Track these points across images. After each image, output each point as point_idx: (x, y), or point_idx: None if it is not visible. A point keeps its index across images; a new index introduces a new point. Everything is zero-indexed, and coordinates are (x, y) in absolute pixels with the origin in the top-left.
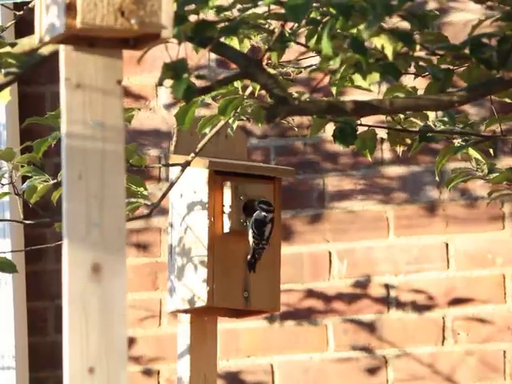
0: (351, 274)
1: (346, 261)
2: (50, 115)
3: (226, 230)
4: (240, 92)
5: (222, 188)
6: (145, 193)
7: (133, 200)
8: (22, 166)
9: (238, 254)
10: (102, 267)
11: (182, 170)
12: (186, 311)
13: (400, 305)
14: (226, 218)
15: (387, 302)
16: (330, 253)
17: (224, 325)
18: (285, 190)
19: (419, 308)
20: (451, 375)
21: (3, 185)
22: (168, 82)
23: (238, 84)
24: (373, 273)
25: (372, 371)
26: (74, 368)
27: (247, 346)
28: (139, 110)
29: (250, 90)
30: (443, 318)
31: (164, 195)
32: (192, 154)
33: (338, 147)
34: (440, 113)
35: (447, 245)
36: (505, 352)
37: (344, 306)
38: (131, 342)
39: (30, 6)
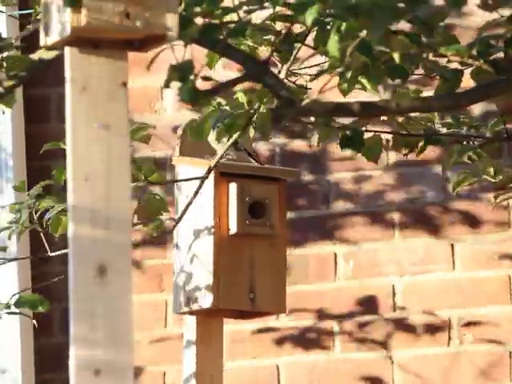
0: (357, 276)
1: (351, 262)
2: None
3: (232, 231)
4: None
5: (228, 189)
6: (165, 214)
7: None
8: (39, 195)
9: (244, 255)
10: (107, 269)
11: (200, 184)
12: (191, 312)
13: (405, 306)
14: (231, 219)
15: (393, 303)
16: (335, 254)
17: (230, 326)
18: (290, 191)
19: (425, 309)
20: (457, 376)
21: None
22: (174, 84)
23: (242, 99)
24: (378, 274)
25: (378, 372)
26: (80, 370)
27: (253, 347)
28: (154, 127)
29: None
30: (449, 319)
31: (183, 213)
32: (210, 158)
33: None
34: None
35: (453, 246)
36: (510, 353)
37: (349, 308)
38: (137, 343)
39: (37, 17)
